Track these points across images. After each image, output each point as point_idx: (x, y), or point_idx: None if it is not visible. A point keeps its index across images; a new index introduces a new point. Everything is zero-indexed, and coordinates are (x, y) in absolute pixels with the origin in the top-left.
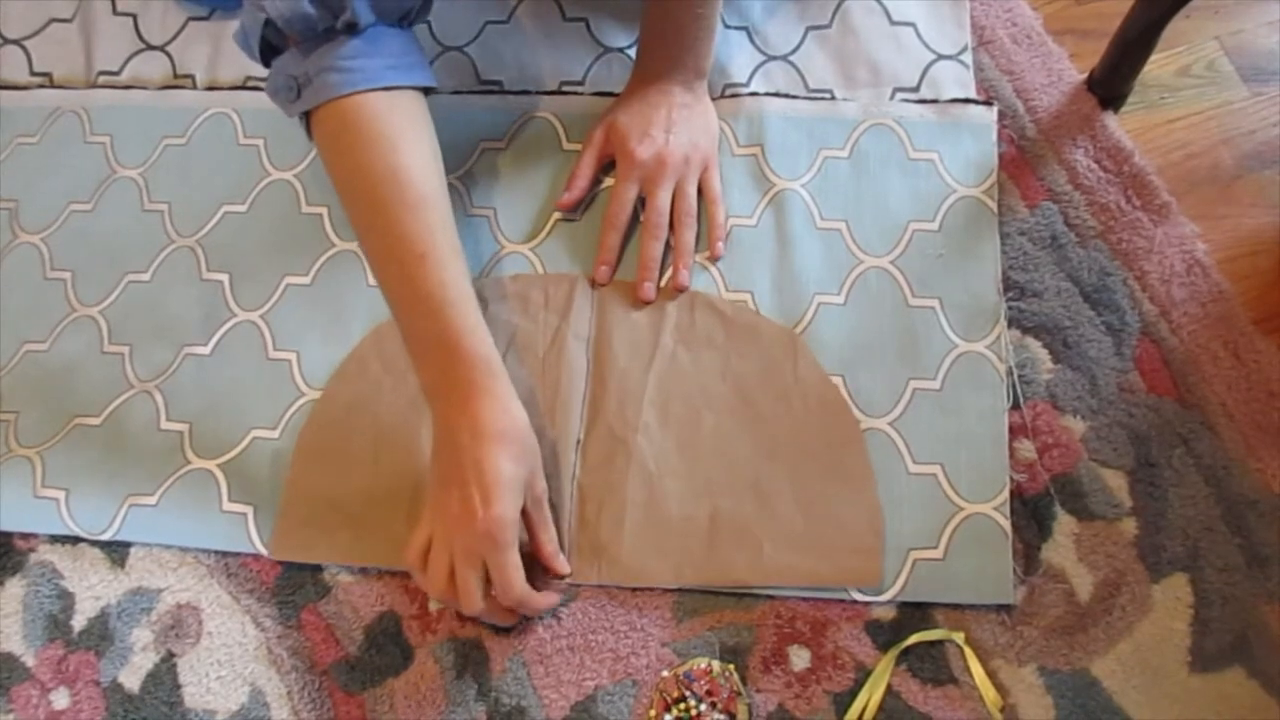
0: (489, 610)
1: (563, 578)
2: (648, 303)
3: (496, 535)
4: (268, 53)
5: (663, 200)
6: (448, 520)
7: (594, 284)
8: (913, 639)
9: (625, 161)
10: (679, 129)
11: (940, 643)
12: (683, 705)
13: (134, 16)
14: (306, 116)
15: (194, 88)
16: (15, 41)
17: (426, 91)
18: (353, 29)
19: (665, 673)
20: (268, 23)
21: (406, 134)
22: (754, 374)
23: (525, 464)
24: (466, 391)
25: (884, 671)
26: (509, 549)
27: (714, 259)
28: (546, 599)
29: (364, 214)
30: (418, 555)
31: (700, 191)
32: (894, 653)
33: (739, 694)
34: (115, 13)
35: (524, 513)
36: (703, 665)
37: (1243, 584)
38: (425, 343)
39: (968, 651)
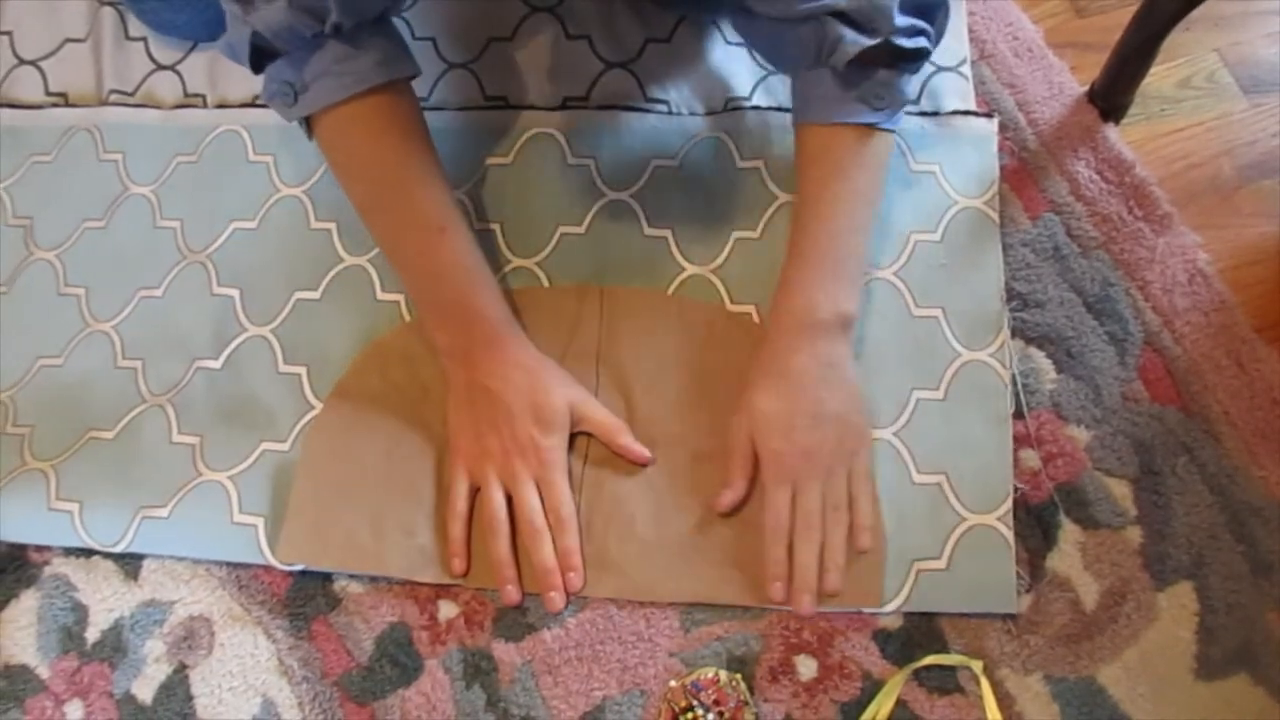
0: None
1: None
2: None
3: (546, 456)
4: (258, 58)
5: (814, 501)
6: (495, 459)
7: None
8: (929, 660)
9: (774, 464)
10: (827, 412)
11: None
12: (690, 715)
13: (144, 40)
14: (306, 118)
15: (204, 106)
16: (31, 62)
17: (411, 78)
18: (339, 32)
19: (673, 682)
20: (255, 33)
21: (407, 123)
22: None
23: (561, 393)
24: (489, 347)
25: (895, 686)
26: (560, 468)
27: (861, 552)
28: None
29: (377, 196)
30: (459, 504)
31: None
32: (908, 670)
33: (746, 703)
34: (128, 38)
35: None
36: (710, 675)
37: (1247, 591)
38: (446, 310)
39: (984, 682)
